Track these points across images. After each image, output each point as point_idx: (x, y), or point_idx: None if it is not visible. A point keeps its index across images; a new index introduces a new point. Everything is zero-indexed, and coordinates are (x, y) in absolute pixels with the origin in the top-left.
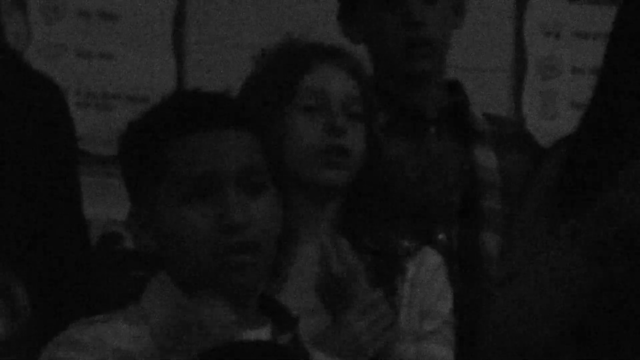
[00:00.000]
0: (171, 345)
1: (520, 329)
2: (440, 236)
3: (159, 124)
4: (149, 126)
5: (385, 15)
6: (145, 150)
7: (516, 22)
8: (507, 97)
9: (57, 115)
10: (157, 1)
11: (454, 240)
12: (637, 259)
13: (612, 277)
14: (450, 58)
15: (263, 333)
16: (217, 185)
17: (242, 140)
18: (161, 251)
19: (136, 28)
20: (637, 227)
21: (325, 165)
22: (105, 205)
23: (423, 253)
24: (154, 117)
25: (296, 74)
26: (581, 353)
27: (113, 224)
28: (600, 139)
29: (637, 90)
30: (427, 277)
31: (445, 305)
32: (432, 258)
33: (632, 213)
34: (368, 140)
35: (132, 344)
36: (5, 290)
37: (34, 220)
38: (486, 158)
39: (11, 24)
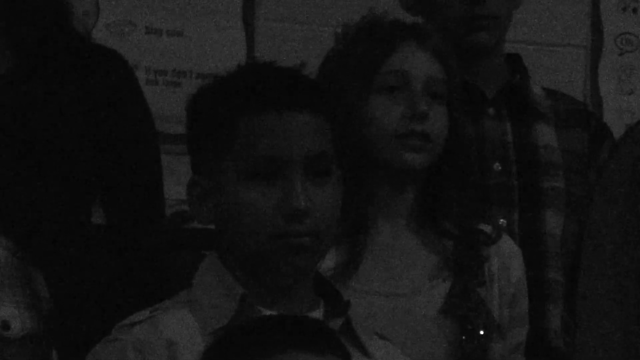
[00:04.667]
0: (215, 327)
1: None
2: (501, 221)
3: (233, 97)
4: (222, 97)
5: None
6: (215, 121)
7: None
8: (583, 73)
9: (128, 89)
10: None
11: (515, 224)
12: None
13: None
14: (527, 34)
15: (315, 316)
16: (284, 169)
17: (314, 124)
18: (217, 225)
19: (206, 4)
20: None
21: (405, 148)
22: (174, 183)
23: (503, 241)
24: (228, 88)
25: (379, 56)
26: None
27: (183, 203)
28: None
29: None
30: (511, 265)
31: (525, 290)
32: (511, 246)
33: None
34: (450, 122)
35: (179, 332)
36: (29, 283)
37: (112, 198)
38: (547, 136)
39: (80, 1)
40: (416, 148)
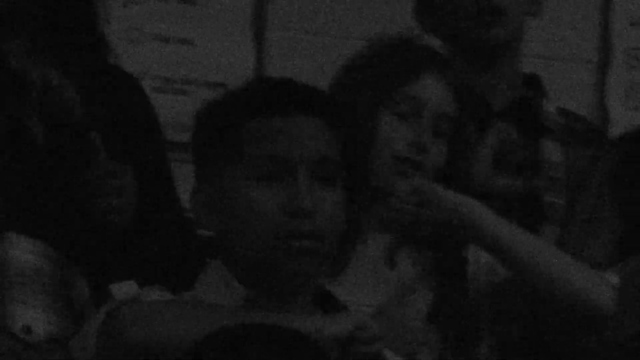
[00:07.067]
0: None
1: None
2: None
3: (239, 104)
4: (228, 105)
5: None
6: (222, 127)
7: (602, 11)
8: (591, 87)
9: (140, 108)
10: None
11: None
12: None
13: None
14: (535, 47)
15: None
16: (290, 170)
17: (320, 129)
18: (221, 231)
19: (215, 13)
20: None
21: (399, 175)
22: (181, 191)
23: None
24: (234, 97)
25: (401, 78)
26: None
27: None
28: None
29: None
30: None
31: None
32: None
33: None
34: (456, 157)
35: None
36: (66, 287)
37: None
38: (553, 153)
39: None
40: (408, 175)
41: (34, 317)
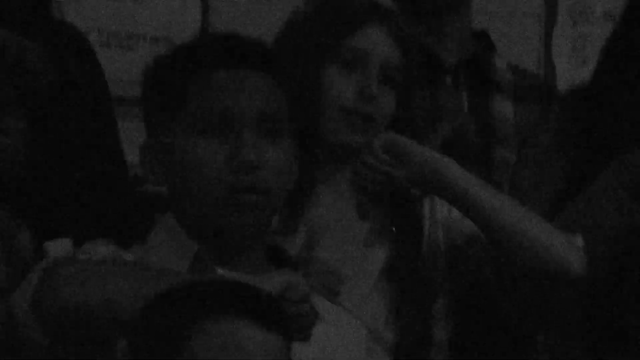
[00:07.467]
0: None
1: None
2: None
3: (185, 58)
4: (174, 59)
5: None
6: (168, 81)
7: None
8: (537, 42)
9: (87, 63)
10: None
11: None
12: None
13: None
14: (481, 3)
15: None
16: (234, 124)
17: (265, 83)
18: (170, 186)
19: None
20: None
21: (350, 128)
22: (126, 147)
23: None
24: (181, 51)
25: (344, 30)
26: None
27: (136, 167)
28: (614, 88)
29: None
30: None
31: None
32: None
33: None
34: (401, 108)
35: None
36: (8, 239)
37: (77, 170)
38: (503, 109)
39: None
40: (358, 128)
41: None
